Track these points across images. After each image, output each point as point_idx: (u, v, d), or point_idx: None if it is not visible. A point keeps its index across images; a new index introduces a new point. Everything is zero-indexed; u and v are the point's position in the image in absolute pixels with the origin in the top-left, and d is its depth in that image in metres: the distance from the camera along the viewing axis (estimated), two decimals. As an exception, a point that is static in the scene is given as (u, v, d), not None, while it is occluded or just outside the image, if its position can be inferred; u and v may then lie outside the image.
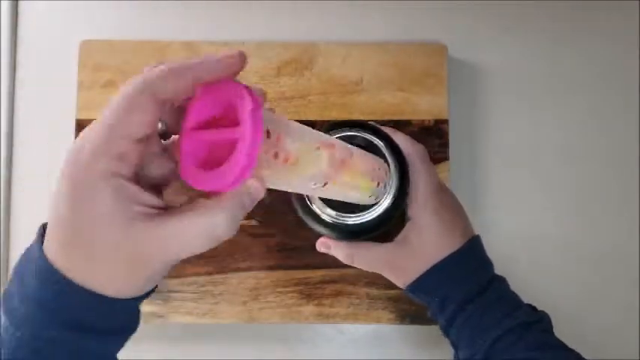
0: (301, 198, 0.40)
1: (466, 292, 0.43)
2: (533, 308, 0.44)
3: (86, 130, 0.26)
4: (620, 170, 0.60)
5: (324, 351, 0.58)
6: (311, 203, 0.40)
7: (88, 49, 0.58)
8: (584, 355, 0.41)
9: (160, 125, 0.29)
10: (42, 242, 0.28)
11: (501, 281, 0.45)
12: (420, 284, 0.44)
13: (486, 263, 0.45)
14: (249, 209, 0.29)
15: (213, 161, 0.26)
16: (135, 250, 0.26)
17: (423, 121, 0.57)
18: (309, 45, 0.58)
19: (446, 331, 0.45)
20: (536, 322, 0.42)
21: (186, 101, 0.28)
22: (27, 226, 0.59)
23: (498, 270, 0.46)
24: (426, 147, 0.52)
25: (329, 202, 0.40)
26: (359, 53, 0.58)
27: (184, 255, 0.27)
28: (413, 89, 0.58)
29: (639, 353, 0.57)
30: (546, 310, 0.45)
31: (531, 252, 0.59)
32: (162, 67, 0.26)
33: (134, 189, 0.26)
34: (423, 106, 0.57)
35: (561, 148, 0.60)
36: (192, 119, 0.27)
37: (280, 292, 0.56)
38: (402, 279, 0.45)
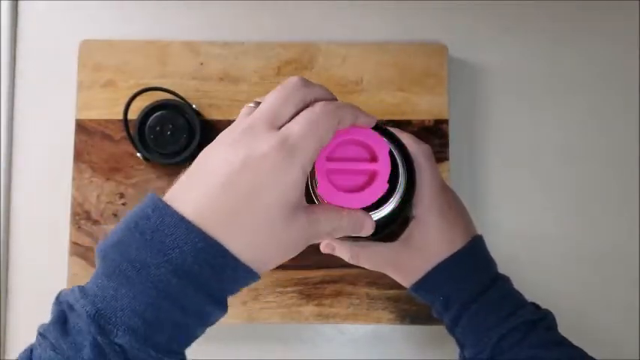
0: (308, 197, 0.40)
1: (470, 291, 0.43)
2: (537, 307, 0.44)
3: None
4: (620, 170, 0.60)
5: (324, 351, 0.58)
6: (318, 201, 0.39)
7: (88, 49, 0.58)
8: None
9: None
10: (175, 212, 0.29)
11: (505, 280, 0.45)
12: (424, 284, 0.44)
13: (489, 262, 0.46)
14: (350, 232, 0.35)
15: (341, 185, 0.35)
16: (298, 232, 0.32)
17: (423, 121, 0.57)
18: (309, 45, 0.58)
19: (451, 330, 0.45)
20: (541, 319, 0.42)
21: None
22: (27, 225, 0.59)
23: (498, 269, 0.46)
24: (426, 147, 0.53)
25: None
26: (359, 53, 0.58)
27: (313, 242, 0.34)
28: (413, 89, 0.58)
29: (639, 353, 0.57)
30: (546, 310, 0.45)
31: (531, 252, 0.59)
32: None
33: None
34: (423, 106, 0.58)
35: (561, 148, 0.60)
36: (329, 151, 0.35)
37: (280, 292, 0.56)
38: (406, 278, 0.45)
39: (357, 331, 0.58)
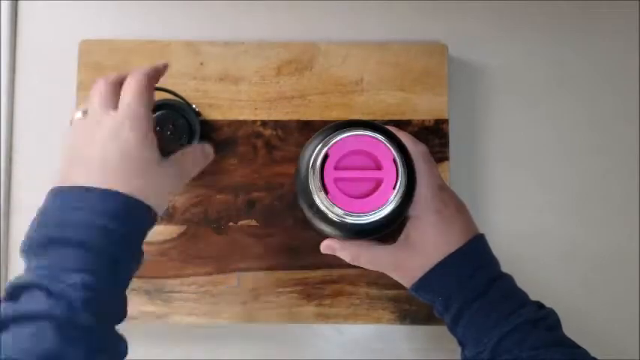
0: (308, 197, 0.40)
1: (470, 290, 0.43)
2: (541, 305, 0.44)
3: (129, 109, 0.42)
4: (620, 170, 0.60)
5: (324, 351, 0.58)
6: (320, 202, 0.39)
7: (88, 49, 0.58)
8: None
9: None
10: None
11: (507, 279, 0.45)
12: (424, 283, 0.44)
13: (491, 261, 0.45)
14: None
15: (349, 191, 0.40)
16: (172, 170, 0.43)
17: (423, 121, 0.57)
18: (309, 45, 0.58)
19: (452, 330, 0.45)
20: (542, 319, 0.42)
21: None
22: (27, 225, 0.59)
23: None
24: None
25: None
26: (359, 53, 0.58)
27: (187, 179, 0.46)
28: (413, 89, 0.58)
29: (639, 353, 0.57)
30: (546, 310, 0.44)
31: (531, 252, 0.59)
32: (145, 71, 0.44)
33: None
34: (423, 106, 0.57)
35: (561, 148, 0.60)
36: (337, 160, 0.40)
37: (280, 292, 0.56)
38: (406, 278, 0.46)
39: (357, 331, 0.58)
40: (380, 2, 0.61)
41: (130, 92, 0.42)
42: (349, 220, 0.39)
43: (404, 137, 0.45)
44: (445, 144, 0.57)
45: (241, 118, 0.57)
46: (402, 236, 0.45)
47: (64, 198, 0.40)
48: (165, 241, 0.56)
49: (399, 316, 0.55)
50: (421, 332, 0.58)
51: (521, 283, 0.45)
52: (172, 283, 0.55)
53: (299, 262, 0.56)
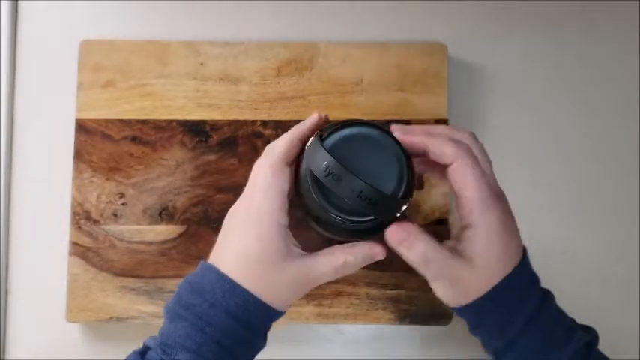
0: (309, 197, 0.39)
1: (529, 311, 0.38)
2: (579, 325, 0.41)
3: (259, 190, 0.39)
4: (620, 170, 0.60)
5: (324, 351, 0.58)
6: (321, 203, 0.39)
7: (88, 49, 0.58)
8: None
9: None
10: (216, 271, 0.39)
11: (551, 296, 0.41)
12: (481, 304, 0.38)
13: (536, 276, 0.41)
14: (363, 264, 0.39)
15: None
16: (297, 275, 0.38)
17: (423, 121, 0.57)
18: (309, 45, 0.58)
19: (500, 353, 0.39)
20: (593, 340, 0.40)
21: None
22: (27, 225, 0.59)
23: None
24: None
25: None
26: (359, 53, 0.58)
27: (319, 282, 0.40)
28: (413, 89, 0.58)
29: (639, 353, 0.57)
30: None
31: (530, 252, 0.59)
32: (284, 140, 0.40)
33: (290, 234, 0.39)
34: (423, 106, 0.58)
35: (561, 148, 0.60)
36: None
37: (280, 292, 0.56)
38: (460, 295, 0.39)
39: (357, 331, 0.58)
40: (380, 2, 0.61)
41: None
42: (351, 220, 0.38)
43: (442, 129, 0.40)
44: (445, 144, 0.57)
45: (241, 118, 0.57)
46: (461, 247, 0.38)
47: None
48: (165, 241, 0.56)
49: (399, 316, 0.55)
50: (421, 332, 0.58)
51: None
52: (172, 283, 0.55)
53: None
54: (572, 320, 0.41)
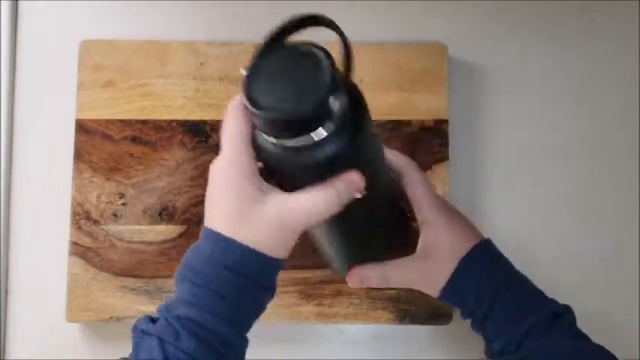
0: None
1: (500, 279, 0.44)
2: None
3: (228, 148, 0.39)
4: (620, 170, 0.60)
5: (324, 351, 0.58)
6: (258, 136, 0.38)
7: (88, 49, 0.58)
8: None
9: None
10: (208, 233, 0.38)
11: (523, 277, 0.46)
12: (452, 285, 0.44)
13: (506, 259, 0.46)
14: (345, 197, 0.37)
15: None
16: (276, 212, 0.36)
17: (423, 121, 0.57)
18: (309, 45, 0.58)
19: (480, 326, 0.44)
20: (567, 312, 0.43)
21: None
22: (27, 225, 0.59)
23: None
24: (426, 147, 0.54)
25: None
26: (359, 53, 0.58)
27: (307, 222, 0.37)
28: (413, 89, 0.58)
29: (639, 353, 0.57)
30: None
31: (531, 252, 0.59)
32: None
33: (262, 180, 0.38)
34: (423, 106, 0.58)
35: (561, 148, 0.60)
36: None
37: (280, 292, 0.56)
38: (432, 287, 0.45)
39: (357, 331, 0.58)
40: (380, 2, 0.61)
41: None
42: (289, 144, 0.35)
43: (390, 152, 0.47)
44: (445, 144, 0.57)
45: (241, 118, 0.57)
46: (419, 247, 0.45)
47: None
48: (165, 241, 0.56)
49: (399, 316, 0.55)
50: (421, 332, 0.58)
51: (521, 283, 0.45)
52: (172, 283, 0.55)
53: (299, 262, 0.56)
54: (543, 295, 0.44)
